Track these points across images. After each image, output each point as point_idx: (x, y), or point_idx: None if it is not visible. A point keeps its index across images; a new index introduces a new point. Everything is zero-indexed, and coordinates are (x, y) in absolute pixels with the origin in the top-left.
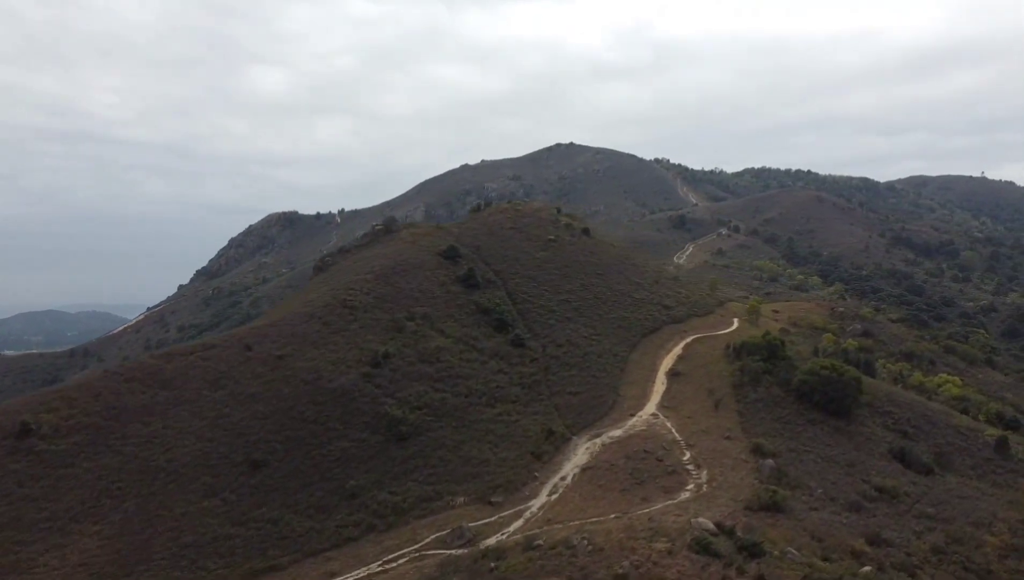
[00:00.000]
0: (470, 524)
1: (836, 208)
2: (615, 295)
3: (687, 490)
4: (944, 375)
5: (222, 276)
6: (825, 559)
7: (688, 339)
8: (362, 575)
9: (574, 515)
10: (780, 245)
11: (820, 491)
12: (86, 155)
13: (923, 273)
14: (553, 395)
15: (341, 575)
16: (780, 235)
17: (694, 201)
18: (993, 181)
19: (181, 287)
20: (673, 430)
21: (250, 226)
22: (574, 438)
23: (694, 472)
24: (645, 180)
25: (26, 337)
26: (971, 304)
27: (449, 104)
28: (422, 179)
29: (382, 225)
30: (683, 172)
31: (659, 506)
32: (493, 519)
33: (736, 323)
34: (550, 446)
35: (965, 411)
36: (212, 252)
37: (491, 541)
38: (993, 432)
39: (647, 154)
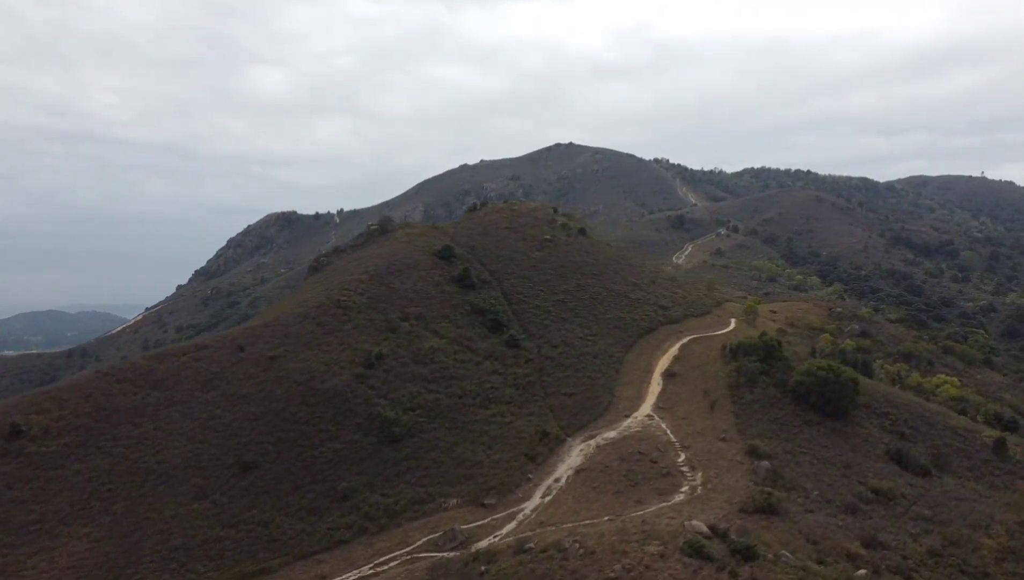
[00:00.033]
0: (462, 526)
1: (835, 208)
2: (611, 295)
3: (681, 492)
4: (942, 376)
5: (221, 276)
6: (820, 562)
7: (684, 340)
8: (353, 578)
9: (567, 517)
10: (779, 245)
11: (816, 493)
12: (86, 155)
13: (922, 273)
14: (548, 396)
15: (332, 578)
16: (779, 235)
17: (693, 201)
18: (993, 181)
19: (180, 287)
20: (668, 431)
21: (248, 226)
22: (568, 439)
23: (689, 474)
24: (644, 180)
25: (26, 337)
26: (970, 304)
27: (449, 104)
28: (421, 179)
29: (377, 225)
30: (682, 172)
31: (653, 508)
32: (486, 521)
33: (733, 323)
34: (544, 447)
35: (963, 412)
36: (212, 252)
37: (483, 544)
38: (991, 433)
39: (647, 154)
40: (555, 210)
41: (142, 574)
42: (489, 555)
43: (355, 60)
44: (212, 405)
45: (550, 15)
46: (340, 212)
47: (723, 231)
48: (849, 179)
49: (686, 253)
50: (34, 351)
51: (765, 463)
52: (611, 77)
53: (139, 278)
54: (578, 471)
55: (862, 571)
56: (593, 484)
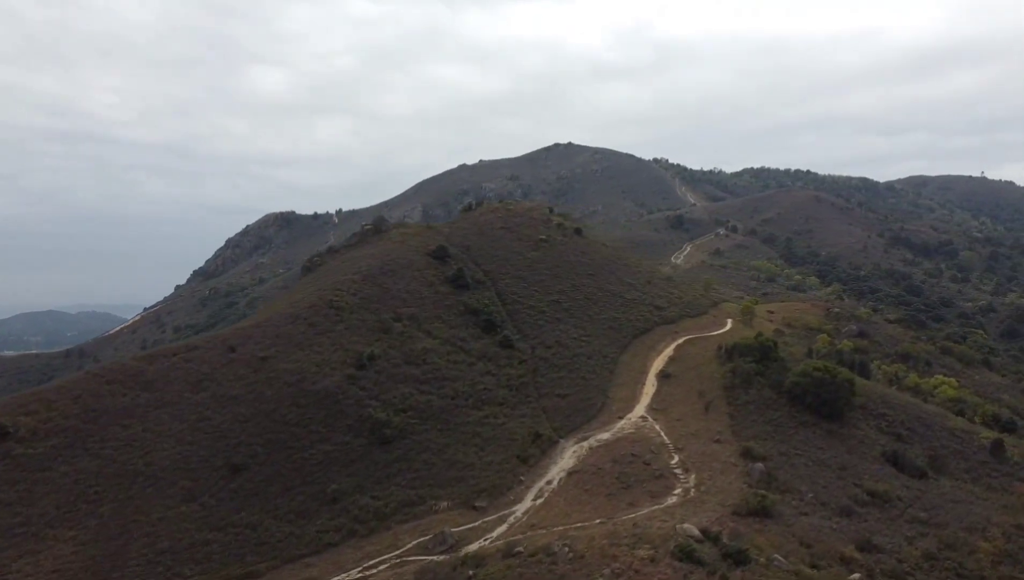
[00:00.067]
0: (453, 529)
1: (835, 208)
2: (606, 296)
3: (674, 495)
4: (940, 376)
5: (219, 276)
6: (813, 566)
7: (680, 340)
8: None
9: (559, 520)
10: (778, 245)
11: (811, 495)
12: (86, 155)
13: (922, 273)
14: (541, 397)
15: None
16: (778, 235)
17: (692, 201)
18: (993, 181)
19: (178, 287)
20: (662, 433)
21: (247, 226)
22: (561, 441)
23: (682, 476)
24: (643, 180)
25: (26, 337)
26: (969, 304)
27: (449, 104)
28: (420, 179)
29: (371, 225)
30: (682, 172)
31: (645, 511)
32: (477, 524)
33: (730, 324)
34: (536, 449)
35: (961, 413)
36: (212, 252)
37: (473, 547)
38: (989, 435)
39: (647, 154)
40: (551, 210)
41: (128, 578)
42: (478, 559)
43: (355, 60)
44: (202, 406)
45: (550, 15)
46: (339, 212)
47: (722, 231)
48: (849, 179)
49: (685, 253)
50: (33, 351)
51: (759, 465)
52: (611, 77)
53: (139, 278)
54: (570, 473)
55: (856, 575)
56: (585, 486)
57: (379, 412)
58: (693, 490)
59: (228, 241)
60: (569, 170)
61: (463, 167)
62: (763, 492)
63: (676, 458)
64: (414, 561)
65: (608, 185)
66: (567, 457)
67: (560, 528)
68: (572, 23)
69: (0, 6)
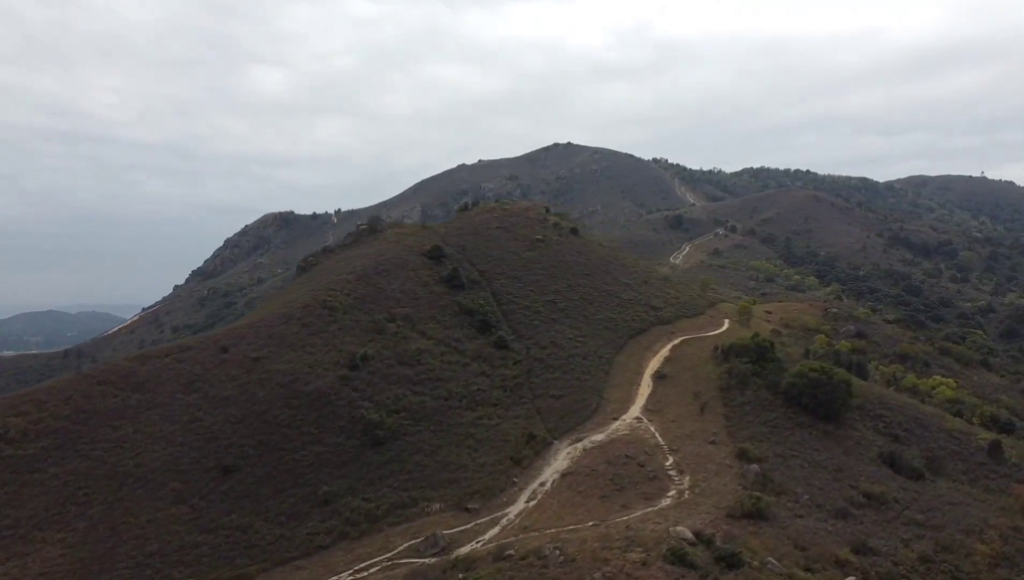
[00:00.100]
0: (445, 532)
1: (834, 208)
2: (602, 296)
3: (668, 497)
4: (938, 377)
5: (218, 276)
6: (807, 569)
7: (676, 341)
8: None
9: (551, 523)
10: (777, 245)
11: (806, 497)
12: (86, 155)
13: (921, 273)
14: (535, 398)
15: None
16: (777, 235)
17: (691, 201)
18: (993, 181)
19: (177, 287)
20: (657, 434)
21: (246, 226)
22: (555, 442)
23: (676, 478)
24: (643, 180)
25: (26, 337)
26: (969, 305)
27: (449, 104)
28: (419, 179)
29: (367, 225)
30: (681, 172)
31: (638, 513)
32: (469, 526)
33: (727, 324)
34: (530, 451)
35: (959, 414)
36: (212, 252)
37: (465, 549)
38: (986, 436)
39: (647, 154)
40: (547, 210)
41: None
42: (468, 562)
43: (355, 60)
44: (193, 407)
45: (550, 15)
46: (338, 212)
47: (721, 231)
48: (848, 179)
49: (684, 253)
50: (33, 352)
51: (754, 467)
52: (611, 77)
53: (139, 278)
54: (564, 475)
55: (851, 578)
56: (579, 488)
57: (372, 413)
58: (687, 492)
59: (227, 241)
60: (568, 170)
61: (462, 167)
62: (758, 494)
63: (671, 460)
64: (405, 564)
65: (607, 185)
66: (561, 458)
67: (553, 530)
68: (572, 23)
69: (0, 6)
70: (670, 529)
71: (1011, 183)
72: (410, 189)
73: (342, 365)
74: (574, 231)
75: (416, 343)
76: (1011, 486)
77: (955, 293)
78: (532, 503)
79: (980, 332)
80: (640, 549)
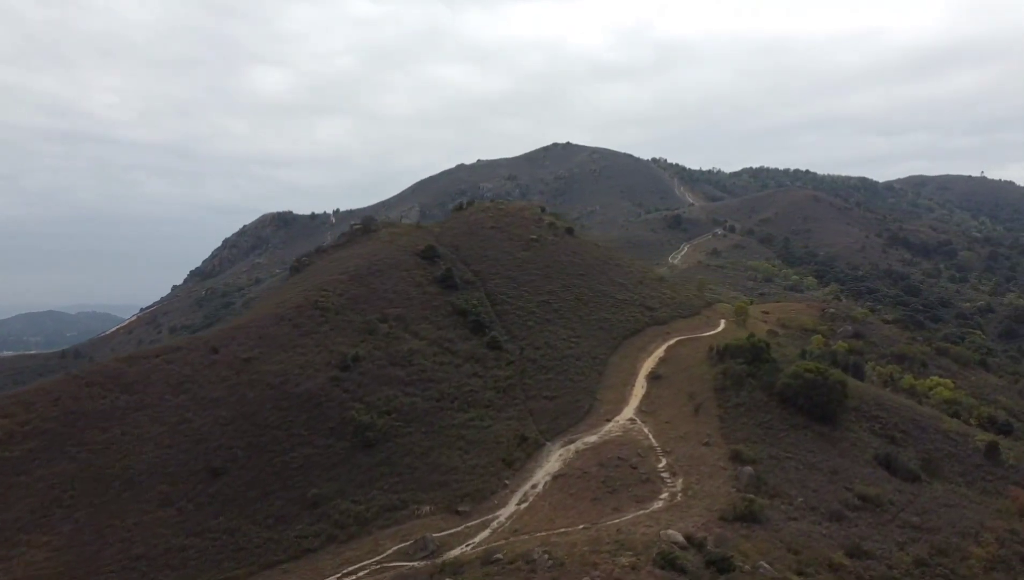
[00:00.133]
0: (435, 535)
1: (833, 208)
2: (596, 296)
3: (660, 499)
4: (935, 378)
5: (216, 276)
6: (800, 573)
7: (671, 341)
8: None
9: (542, 525)
10: (776, 245)
11: (800, 500)
12: (86, 155)
13: (920, 273)
14: (528, 399)
15: None
16: (776, 235)
17: (690, 201)
18: (992, 181)
19: (175, 288)
20: (650, 436)
21: (244, 226)
22: (548, 444)
23: (669, 480)
24: (642, 180)
25: (25, 338)
26: (968, 305)
27: (449, 104)
28: (419, 179)
29: (360, 225)
30: (680, 172)
31: (630, 516)
32: (459, 529)
33: (723, 325)
34: (522, 453)
35: (956, 415)
36: (211, 253)
37: (455, 553)
38: (984, 437)
39: (647, 154)
40: (542, 209)
41: None
42: (456, 566)
43: (355, 60)
44: (182, 409)
45: (550, 15)
46: (336, 212)
47: (720, 231)
48: (848, 179)
49: (682, 253)
50: (32, 352)
51: (748, 469)
52: (611, 77)
53: (139, 278)
54: (556, 477)
55: None
56: (570, 491)
57: (362, 415)
58: (680, 494)
59: (225, 241)
60: (567, 170)
61: (461, 167)
62: (751, 496)
63: (663, 461)
64: (393, 567)
65: (606, 185)
66: (553, 460)
67: (543, 534)
68: (572, 23)
69: (0, 6)
70: (661, 533)
71: (1011, 183)
72: (409, 189)
73: (333, 366)
74: (569, 231)
75: (408, 344)
76: (1008, 488)
77: (954, 293)
78: (523, 506)
79: (979, 332)
80: (630, 553)
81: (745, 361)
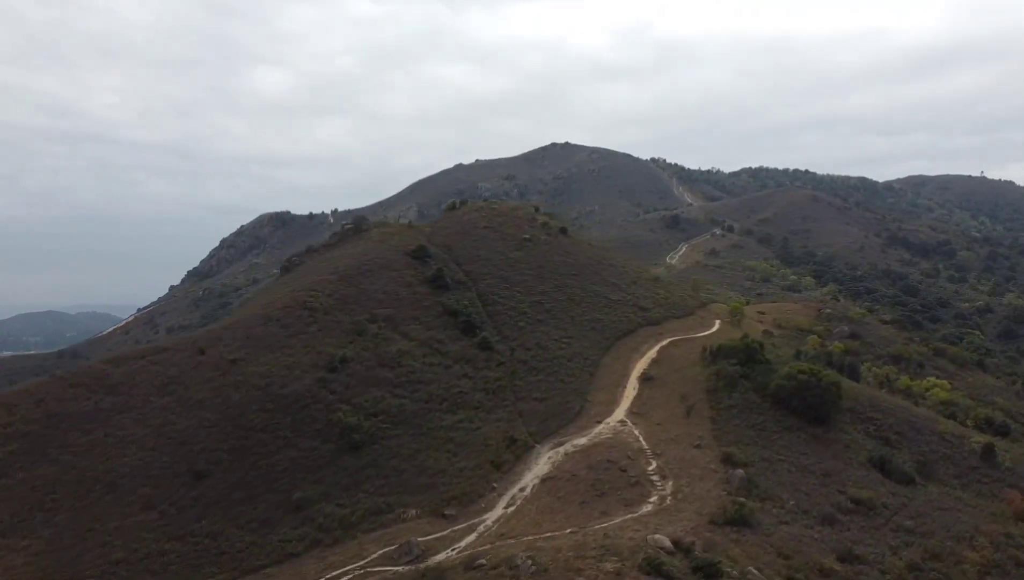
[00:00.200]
0: (420, 539)
1: (832, 207)
2: (589, 296)
3: (649, 503)
4: (932, 379)
5: (213, 277)
6: (790, 579)
7: (664, 342)
8: None
9: (529, 529)
10: (774, 245)
11: (792, 503)
12: (87, 155)
13: (919, 273)
14: (518, 401)
15: None
16: (775, 235)
17: (689, 201)
18: (992, 181)
19: (172, 288)
20: (640, 438)
21: (242, 226)
22: (537, 446)
23: (659, 483)
24: (641, 180)
25: (25, 338)
26: (966, 305)
27: (450, 104)
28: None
29: (352, 224)
30: (679, 172)
31: (618, 520)
32: (445, 533)
33: (717, 325)
34: (511, 455)
35: (952, 416)
36: (209, 253)
37: (439, 557)
38: (980, 439)
39: (647, 154)
40: (536, 209)
41: None
42: (439, 571)
43: (355, 60)
44: (167, 411)
45: (550, 15)
46: (334, 212)
47: (718, 231)
48: (847, 179)
49: (680, 253)
50: (31, 352)
51: (740, 472)
52: (612, 77)
53: (139, 278)
54: (544, 480)
55: None
56: (559, 494)
57: (349, 416)
58: (669, 498)
59: (223, 241)
60: (566, 170)
61: (459, 167)
62: (742, 500)
63: (653, 464)
64: (377, 572)
65: (605, 185)
66: (542, 463)
67: (530, 538)
68: (572, 23)
69: (0, 6)
70: (648, 537)
71: (1011, 183)
72: (407, 189)
73: (320, 367)
74: (563, 231)
75: (397, 345)
76: (1004, 491)
77: (953, 293)
78: (511, 509)
79: (977, 333)
80: (615, 558)
81: (738, 362)
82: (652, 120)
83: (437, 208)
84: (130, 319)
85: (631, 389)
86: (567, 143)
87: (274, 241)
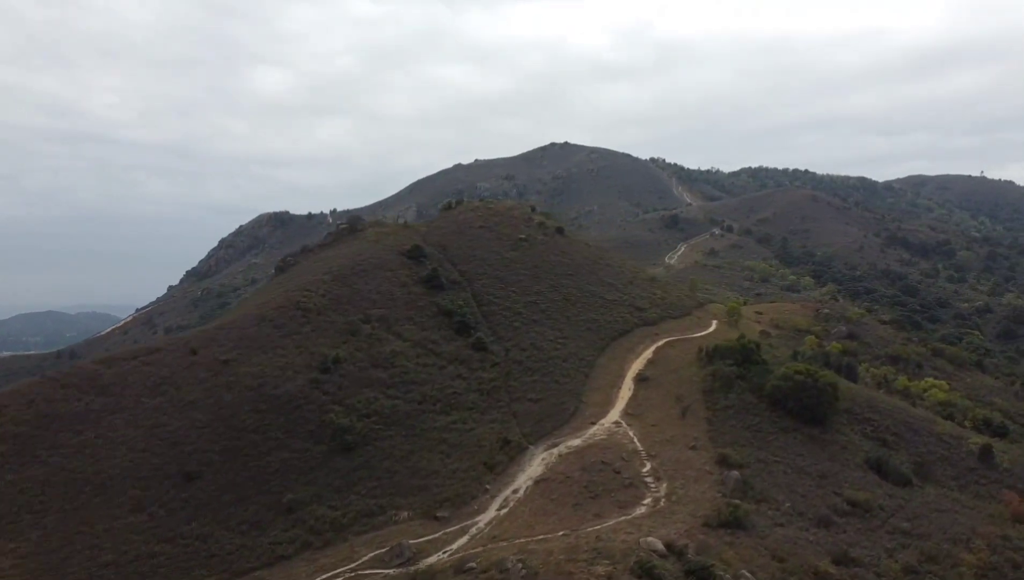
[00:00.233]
0: (412, 541)
1: (831, 207)
2: (585, 296)
3: (643, 505)
4: (930, 379)
5: (212, 277)
6: None
7: (660, 342)
8: None
9: (521, 532)
10: (773, 245)
11: (788, 505)
12: (87, 155)
13: (918, 273)
14: (513, 402)
15: None
16: (774, 235)
17: (688, 201)
18: (992, 180)
19: (171, 288)
20: (635, 439)
21: (240, 226)
22: (531, 447)
23: (653, 485)
24: (640, 180)
25: (25, 338)
26: (966, 305)
27: (450, 104)
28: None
29: (347, 224)
30: (679, 172)
31: (611, 523)
32: (437, 535)
33: (714, 325)
34: (504, 456)
35: (950, 417)
36: (207, 253)
37: (431, 560)
38: (978, 440)
39: (647, 154)
40: (532, 209)
41: None
42: (429, 575)
43: (355, 60)
44: (158, 412)
45: (550, 15)
46: (333, 212)
47: (717, 231)
48: (847, 179)
49: (679, 253)
50: (31, 352)
51: (735, 473)
52: (612, 77)
53: (140, 278)
54: (538, 482)
55: None
56: (552, 496)
57: (341, 418)
58: (663, 500)
59: (221, 241)
60: (565, 170)
61: (458, 167)
62: (736, 502)
63: (648, 466)
64: (368, 575)
65: (604, 185)
66: (536, 464)
67: (521, 541)
68: (572, 23)
69: (0, 6)
70: (641, 540)
71: (1011, 183)
72: (406, 189)
73: (313, 368)
74: (559, 230)
75: (391, 345)
76: (1001, 492)
77: (952, 293)
78: (503, 511)
79: (977, 333)
80: (607, 562)
81: (735, 362)
82: (652, 120)
83: (436, 208)
84: (129, 319)
85: (626, 390)
86: (566, 143)
87: (273, 241)
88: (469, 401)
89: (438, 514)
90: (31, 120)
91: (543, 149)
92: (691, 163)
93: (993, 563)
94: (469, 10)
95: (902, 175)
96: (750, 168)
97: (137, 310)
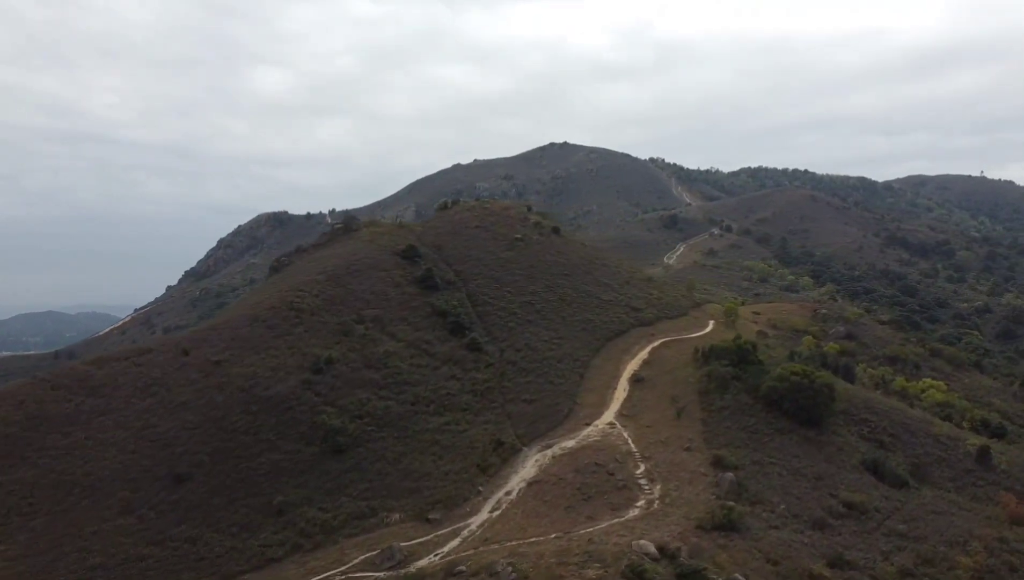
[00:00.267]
0: (403, 544)
1: (830, 207)
2: (581, 296)
3: (637, 507)
4: (928, 380)
5: (210, 277)
6: None
7: (656, 343)
8: None
9: (513, 534)
10: (772, 245)
11: (783, 507)
12: (87, 155)
13: (917, 273)
14: (507, 403)
15: None
16: (773, 235)
17: (688, 201)
18: (992, 180)
19: (169, 288)
20: (629, 441)
21: (239, 226)
22: (525, 449)
23: (647, 487)
24: (639, 180)
25: (25, 338)
26: (965, 305)
27: (450, 104)
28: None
29: (342, 223)
30: (678, 172)
31: (604, 525)
32: (428, 538)
33: (711, 326)
34: (498, 458)
35: (948, 418)
36: (206, 253)
37: (422, 563)
38: (975, 441)
39: (647, 154)
40: (528, 209)
41: None
42: (418, 578)
43: (355, 60)
44: (149, 413)
45: (550, 15)
46: (332, 212)
47: (716, 231)
48: (847, 179)
49: (678, 253)
50: (31, 352)
51: (729, 475)
52: (612, 77)
53: (140, 279)
54: (531, 483)
55: None
56: (545, 498)
57: (333, 419)
58: (657, 502)
59: (220, 241)
60: (564, 170)
61: (457, 166)
62: (731, 504)
63: (642, 467)
64: (359, 578)
65: (603, 185)
66: (529, 466)
67: (513, 543)
68: (572, 23)
69: (0, 6)
70: (633, 543)
71: (1011, 183)
72: (405, 189)
73: (305, 369)
74: (555, 230)
75: (384, 346)
76: (999, 494)
77: (951, 293)
78: (496, 513)
79: (976, 333)
80: (598, 565)
81: (731, 363)
82: (652, 120)
83: (434, 208)
84: (127, 319)
85: (621, 391)
86: (565, 143)
87: (271, 241)
88: (463, 402)
89: (430, 516)
90: (31, 120)
91: (542, 149)
92: (690, 163)
93: (990, 566)
94: (469, 10)
95: (902, 175)
96: (749, 168)
97: (136, 310)
